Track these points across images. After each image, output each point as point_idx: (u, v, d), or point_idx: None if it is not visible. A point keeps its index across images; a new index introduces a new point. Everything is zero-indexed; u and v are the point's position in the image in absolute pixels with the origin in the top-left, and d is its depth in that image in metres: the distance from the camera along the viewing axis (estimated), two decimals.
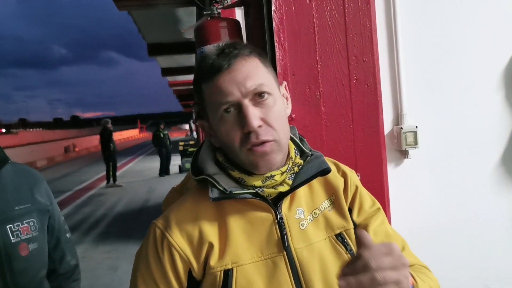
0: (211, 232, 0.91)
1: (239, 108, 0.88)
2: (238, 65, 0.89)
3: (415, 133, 1.68)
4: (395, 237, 1.04)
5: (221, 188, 0.90)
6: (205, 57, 0.93)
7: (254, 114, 0.87)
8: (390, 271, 0.69)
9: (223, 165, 0.96)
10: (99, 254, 6.00)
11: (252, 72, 0.90)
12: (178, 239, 0.90)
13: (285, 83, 1.04)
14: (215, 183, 0.91)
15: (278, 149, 0.91)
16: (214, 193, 0.90)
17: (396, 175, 1.73)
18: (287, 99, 1.02)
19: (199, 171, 0.98)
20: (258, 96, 0.89)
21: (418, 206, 1.75)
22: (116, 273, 5.21)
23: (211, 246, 0.90)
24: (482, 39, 1.72)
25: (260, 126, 0.88)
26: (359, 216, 1.01)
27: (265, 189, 0.92)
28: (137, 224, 7.55)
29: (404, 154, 1.72)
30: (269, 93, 0.90)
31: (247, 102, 0.88)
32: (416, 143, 1.68)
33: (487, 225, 1.76)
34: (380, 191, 1.58)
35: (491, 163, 1.76)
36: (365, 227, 1.00)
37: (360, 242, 0.72)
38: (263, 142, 0.88)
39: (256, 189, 0.91)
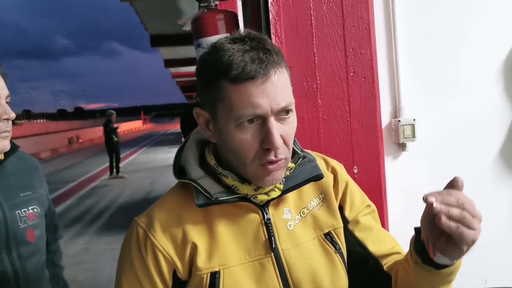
0: (196, 234, 0.89)
1: (264, 121, 0.83)
2: (273, 77, 0.82)
3: (413, 126, 1.67)
4: (387, 235, 1.05)
5: (207, 195, 0.88)
6: (226, 50, 0.82)
7: (278, 132, 0.83)
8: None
9: (215, 169, 0.92)
10: (102, 245, 6.03)
11: (284, 88, 0.84)
12: (161, 240, 0.89)
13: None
14: (200, 189, 0.88)
15: (285, 166, 0.88)
16: (200, 200, 0.88)
17: (394, 168, 1.72)
18: None
19: (183, 172, 0.94)
20: (284, 113, 0.84)
21: (415, 199, 1.74)
22: None
23: (194, 246, 0.88)
24: (481, 31, 1.70)
25: None
26: (351, 212, 1.00)
27: (258, 196, 0.89)
28: None
29: (402, 147, 1.72)
30: (292, 111, 0.86)
31: (273, 119, 0.83)
32: (414, 136, 1.67)
33: (485, 218, 1.72)
34: (377, 184, 1.58)
35: (489, 156, 1.75)
36: (356, 223, 0.99)
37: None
38: (278, 161, 0.85)
39: (248, 196, 0.89)
